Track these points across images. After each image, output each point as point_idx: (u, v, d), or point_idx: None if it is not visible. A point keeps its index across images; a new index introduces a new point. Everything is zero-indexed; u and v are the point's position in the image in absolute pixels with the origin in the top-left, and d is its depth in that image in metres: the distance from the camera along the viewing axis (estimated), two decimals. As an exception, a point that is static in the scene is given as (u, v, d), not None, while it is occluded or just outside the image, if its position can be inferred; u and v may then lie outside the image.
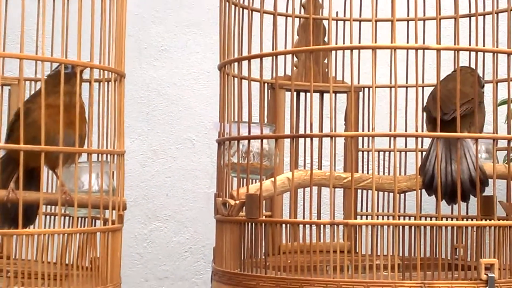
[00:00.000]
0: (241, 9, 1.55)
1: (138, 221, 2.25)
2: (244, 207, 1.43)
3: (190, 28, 2.29)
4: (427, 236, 1.42)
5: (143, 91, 2.27)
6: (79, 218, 1.54)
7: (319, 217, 1.70)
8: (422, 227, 1.38)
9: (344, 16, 1.82)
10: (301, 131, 1.75)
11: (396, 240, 1.34)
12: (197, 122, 2.28)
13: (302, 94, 1.77)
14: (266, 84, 1.68)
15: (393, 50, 1.37)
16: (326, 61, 1.77)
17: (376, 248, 1.42)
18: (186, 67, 2.29)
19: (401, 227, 1.36)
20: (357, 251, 1.72)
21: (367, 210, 1.81)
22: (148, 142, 2.27)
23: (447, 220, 1.62)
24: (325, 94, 1.79)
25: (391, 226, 1.34)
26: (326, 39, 1.77)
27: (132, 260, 2.24)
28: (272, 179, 1.44)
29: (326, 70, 1.77)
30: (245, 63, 1.51)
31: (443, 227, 1.41)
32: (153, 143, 2.27)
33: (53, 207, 1.70)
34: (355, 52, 1.38)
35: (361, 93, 1.83)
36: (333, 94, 1.43)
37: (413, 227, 1.35)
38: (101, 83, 1.49)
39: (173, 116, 2.28)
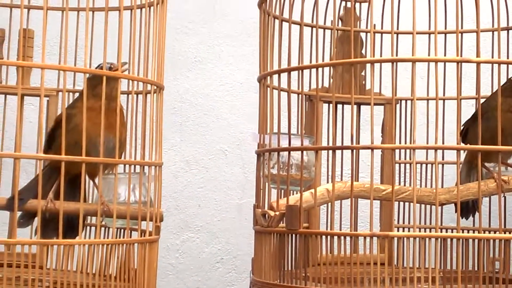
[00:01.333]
0: (281, 21, 1.55)
1: (170, 232, 2.25)
2: (284, 218, 1.44)
3: (223, 39, 2.30)
4: (467, 249, 1.42)
5: (176, 102, 2.28)
6: (116, 229, 1.55)
7: (356, 229, 1.70)
8: (462, 239, 1.38)
9: (382, 28, 1.82)
10: (338, 143, 1.75)
11: (438, 252, 1.34)
12: (230, 133, 2.29)
13: (338, 106, 1.77)
14: (304, 96, 1.69)
15: (433, 63, 1.37)
16: (363, 73, 1.77)
17: (415, 259, 1.42)
18: (219, 78, 2.30)
19: (441, 239, 1.36)
20: (396, 263, 1.72)
21: (403, 223, 1.81)
22: (181, 152, 2.28)
23: (484, 233, 1.62)
24: (362, 106, 1.79)
25: (433, 239, 1.34)
26: (363, 51, 1.77)
27: (164, 271, 2.24)
28: (311, 190, 1.45)
29: (363, 82, 1.77)
30: (284, 76, 1.51)
31: (483, 240, 1.41)
32: (186, 153, 2.28)
33: (89, 217, 1.71)
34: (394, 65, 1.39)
35: (397, 106, 1.84)
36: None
37: (454, 240, 1.35)
38: (140, 95, 1.50)
39: (205, 127, 2.29)
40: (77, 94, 1.75)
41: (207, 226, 2.28)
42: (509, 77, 1.62)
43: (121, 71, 1.42)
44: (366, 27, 1.79)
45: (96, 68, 1.51)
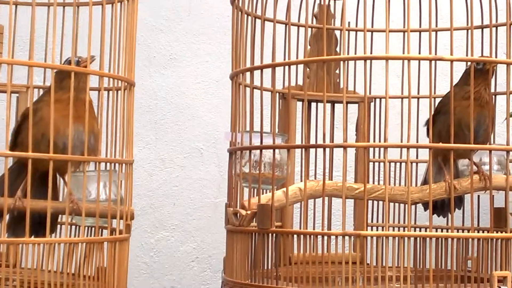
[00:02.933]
0: (254, 18, 1.54)
1: (145, 230, 2.24)
2: (255, 218, 1.43)
3: (199, 37, 2.29)
4: (440, 248, 1.41)
5: (151, 100, 2.27)
6: (86, 227, 1.53)
7: (329, 227, 1.69)
8: (434, 238, 1.37)
9: (356, 26, 1.81)
10: (312, 142, 1.73)
11: (408, 251, 1.33)
12: (205, 131, 2.28)
13: (313, 104, 1.76)
14: (277, 94, 1.68)
15: (406, 61, 1.37)
16: (337, 71, 1.76)
17: (388, 258, 1.42)
18: (194, 76, 2.29)
19: (413, 238, 1.35)
20: (368, 262, 1.71)
21: (377, 221, 1.80)
22: (156, 151, 2.26)
23: (458, 232, 1.62)
24: (336, 104, 1.78)
25: (405, 238, 1.33)
26: (338, 49, 1.76)
27: (139, 269, 2.23)
28: (284, 189, 1.44)
29: (338, 80, 1.76)
30: (256, 73, 1.50)
31: (455, 239, 1.40)
32: (161, 152, 2.27)
33: (59, 216, 1.69)
34: (367, 62, 1.38)
35: (372, 104, 1.83)
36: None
37: (427, 239, 1.34)
38: (111, 91, 1.48)
39: (181, 125, 2.27)
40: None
41: (182, 225, 2.27)
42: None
43: (89, 63, 1.40)
44: (341, 25, 1.78)
45: (64, 62, 1.49)
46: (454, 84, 1.43)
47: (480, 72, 1.49)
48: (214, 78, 2.28)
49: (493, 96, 1.66)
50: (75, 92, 1.36)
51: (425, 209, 1.65)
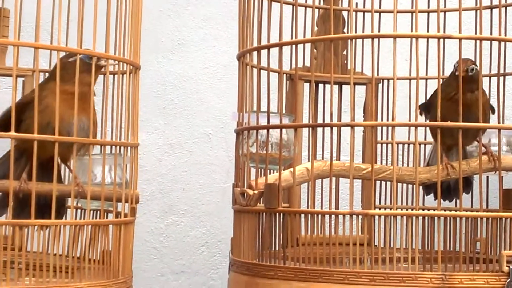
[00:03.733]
0: (260, -1, 1.54)
1: (154, 216, 2.24)
2: (262, 197, 1.42)
3: (206, 22, 2.28)
4: (448, 229, 1.41)
5: (159, 85, 2.26)
6: (92, 211, 1.53)
7: (337, 208, 1.68)
8: (443, 218, 1.36)
9: (364, 7, 1.80)
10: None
11: (417, 232, 1.33)
12: (214, 116, 2.27)
13: (320, 86, 1.75)
14: (284, 75, 1.67)
15: (414, 41, 1.36)
16: (345, 52, 1.75)
17: (395, 239, 1.41)
18: (202, 61, 2.28)
19: (421, 218, 1.35)
20: (376, 243, 1.71)
21: (385, 203, 1.79)
22: (164, 136, 2.26)
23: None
24: (343, 86, 1.78)
25: (413, 217, 1.32)
26: (345, 30, 1.75)
27: (148, 255, 2.23)
28: (291, 169, 1.43)
29: (345, 61, 1.75)
30: (264, 54, 1.49)
31: (464, 218, 1.39)
32: (170, 137, 2.26)
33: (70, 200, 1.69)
34: (375, 43, 1.37)
35: (379, 86, 1.82)
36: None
37: (435, 218, 1.34)
38: (116, 75, 1.48)
39: (189, 110, 2.27)
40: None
41: (191, 210, 2.26)
42: (492, 54, 1.61)
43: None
44: (348, 6, 1.77)
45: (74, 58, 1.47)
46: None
47: (471, 78, 1.48)
48: (222, 63, 2.27)
49: (502, 78, 1.65)
50: (88, 87, 1.36)
51: (427, 193, 1.64)
